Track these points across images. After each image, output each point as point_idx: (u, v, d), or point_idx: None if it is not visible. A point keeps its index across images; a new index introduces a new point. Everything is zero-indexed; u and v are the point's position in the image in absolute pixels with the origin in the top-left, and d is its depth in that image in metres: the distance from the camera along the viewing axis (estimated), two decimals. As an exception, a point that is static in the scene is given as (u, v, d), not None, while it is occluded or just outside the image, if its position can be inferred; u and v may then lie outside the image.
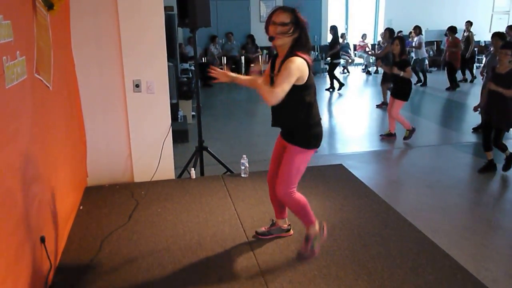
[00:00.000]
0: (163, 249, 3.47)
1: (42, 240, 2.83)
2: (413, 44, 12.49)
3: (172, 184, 4.77)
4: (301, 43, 2.99)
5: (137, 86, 4.61)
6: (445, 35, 12.30)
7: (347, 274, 3.09)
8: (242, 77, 3.33)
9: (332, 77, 11.72)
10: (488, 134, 5.50)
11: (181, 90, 8.24)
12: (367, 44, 15.32)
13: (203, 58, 13.17)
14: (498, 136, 5.37)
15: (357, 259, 3.27)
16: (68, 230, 3.72)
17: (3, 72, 2.32)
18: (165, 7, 4.71)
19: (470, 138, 7.19)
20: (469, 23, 12.69)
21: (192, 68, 10.20)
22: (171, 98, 5.01)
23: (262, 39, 13.86)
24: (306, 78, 2.99)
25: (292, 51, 2.98)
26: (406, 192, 4.90)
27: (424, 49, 12.52)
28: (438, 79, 12.87)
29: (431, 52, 14.99)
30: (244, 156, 4.94)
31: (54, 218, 3.27)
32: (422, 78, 12.31)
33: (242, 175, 4.89)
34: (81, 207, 4.21)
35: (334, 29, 11.70)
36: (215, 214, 4.04)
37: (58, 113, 3.65)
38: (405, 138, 7.07)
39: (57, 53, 3.57)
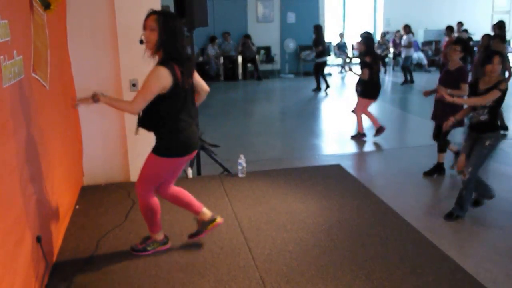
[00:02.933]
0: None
1: (39, 239, 2.81)
2: (402, 43, 12.52)
3: (169, 183, 4.75)
4: (166, 48, 2.95)
5: (133, 85, 4.59)
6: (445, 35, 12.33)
7: (345, 274, 3.08)
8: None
9: (319, 76, 11.65)
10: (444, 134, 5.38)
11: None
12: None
13: (200, 58, 13.16)
14: (440, 129, 5.21)
15: (355, 259, 3.26)
16: (64, 230, 3.71)
17: (1, 71, 2.31)
18: (162, 7, 4.69)
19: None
20: (460, 24, 12.70)
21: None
22: (168, 98, 4.98)
23: (259, 39, 13.86)
24: (168, 88, 2.92)
25: (160, 59, 2.97)
26: (404, 192, 4.89)
27: (412, 48, 12.59)
28: (436, 79, 12.85)
29: (429, 52, 15.01)
30: (242, 156, 4.92)
31: (51, 218, 3.26)
32: (408, 77, 12.36)
33: (239, 175, 4.88)
34: (77, 207, 4.19)
35: (317, 28, 11.71)
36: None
37: (54, 112, 3.64)
38: (352, 137, 7.17)
39: (53, 52, 3.56)
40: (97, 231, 3.73)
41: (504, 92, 3.98)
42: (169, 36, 2.93)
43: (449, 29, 11.47)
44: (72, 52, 4.37)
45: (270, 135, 7.55)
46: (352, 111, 7.69)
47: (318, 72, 11.66)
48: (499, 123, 4.46)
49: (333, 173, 5.10)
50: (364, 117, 7.20)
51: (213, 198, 4.34)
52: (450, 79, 5.18)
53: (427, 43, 15.22)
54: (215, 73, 13.53)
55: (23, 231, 2.57)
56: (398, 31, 14.40)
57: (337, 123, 8.76)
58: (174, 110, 3.03)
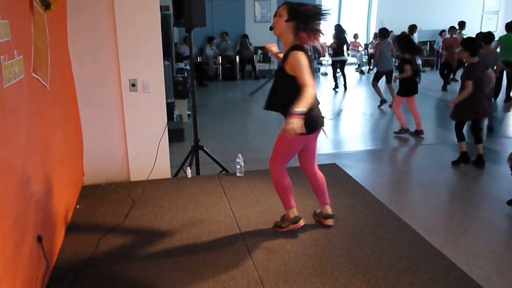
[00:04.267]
0: (159, 248, 3.48)
1: (39, 239, 2.83)
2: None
3: (168, 183, 4.78)
4: (297, 29, 3.23)
5: (133, 85, 4.63)
6: (444, 32, 12.42)
7: (342, 273, 3.11)
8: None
9: (344, 74, 11.92)
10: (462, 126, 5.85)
11: (176, 89, 8.24)
12: (359, 43, 15.41)
13: (198, 58, 13.17)
14: (477, 125, 5.76)
15: (351, 258, 3.30)
16: (65, 229, 3.73)
17: (1, 71, 2.32)
18: (161, 7, 4.73)
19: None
20: (446, 31, 12.87)
21: (188, 67, 10.21)
22: (167, 97, 5.02)
23: (257, 39, 13.88)
24: None
25: (295, 43, 3.26)
26: (400, 191, 4.94)
27: None
28: (432, 79, 12.93)
29: (424, 52, 15.08)
30: (240, 155, 4.96)
31: (51, 217, 3.28)
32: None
33: (238, 174, 4.91)
34: (77, 206, 4.21)
35: (338, 27, 11.86)
36: (211, 213, 4.06)
37: (55, 112, 3.66)
38: (411, 133, 7.32)
39: (54, 52, 3.57)
40: (98, 230, 3.75)
41: None
42: (296, 17, 3.29)
43: (460, 25, 11.62)
44: (72, 52, 4.39)
45: (268, 135, 7.55)
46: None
47: (342, 69, 11.92)
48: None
49: (329, 172, 5.11)
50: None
51: (211, 198, 4.38)
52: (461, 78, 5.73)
53: (421, 44, 15.29)
54: (214, 73, 13.55)
55: (23, 231, 2.59)
56: (391, 31, 14.44)
57: (334, 122, 8.80)
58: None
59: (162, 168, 4.90)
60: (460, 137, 5.79)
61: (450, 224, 4.21)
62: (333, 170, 5.21)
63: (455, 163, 5.76)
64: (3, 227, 2.27)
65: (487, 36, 7.60)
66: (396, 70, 8.79)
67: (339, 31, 11.74)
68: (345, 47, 12.02)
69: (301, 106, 2.95)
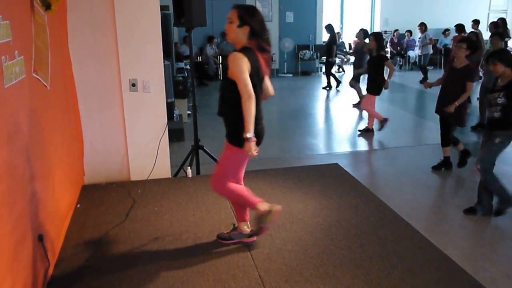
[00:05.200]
0: (160, 247, 3.48)
1: (40, 238, 2.84)
2: (420, 42, 12.65)
3: (168, 182, 4.77)
4: (251, 36, 3.04)
5: (133, 85, 4.62)
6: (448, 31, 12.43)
7: (344, 273, 3.10)
8: None
9: (329, 75, 11.80)
10: (445, 130, 5.56)
11: (176, 89, 8.23)
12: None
13: (198, 58, 13.16)
14: (448, 130, 5.46)
15: (354, 259, 3.28)
16: (65, 229, 3.73)
17: (2, 71, 2.33)
18: (161, 7, 4.72)
19: (469, 137, 7.19)
20: (447, 30, 12.91)
21: (188, 67, 10.19)
22: (167, 97, 5.02)
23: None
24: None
25: (243, 45, 3.05)
26: (402, 192, 4.91)
27: (429, 46, 12.74)
28: (434, 77, 12.88)
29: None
30: (240, 155, 4.93)
31: (52, 217, 3.27)
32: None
33: (238, 174, 4.89)
34: (78, 206, 4.21)
35: (329, 28, 11.76)
36: (211, 212, 4.06)
37: (55, 112, 3.66)
38: (379, 129, 7.30)
39: (54, 52, 3.57)
40: (98, 230, 3.75)
41: None
42: (249, 23, 3.06)
43: (475, 22, 11.57)
44: (73, 52, 4.39)
45: (268, 134, 7.51)
46: (354, 106, 8.42)
47: (329, 70, 11.89)
48: None
49: (331, 172, 5.12)
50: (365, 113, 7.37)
51: (212, 197, 4.36)
52: (456, 77, 5.23)
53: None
54: (214, 72, 13.54)
55: (25, 230, 2.59)
56: (396, 30, 14.45)
57: (335, 121, 8.79)
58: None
59: (162, 168, 4.89)
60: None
61: (454, 225, 4.19)
62: (335, 170, 5.20)
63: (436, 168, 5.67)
64: (4, 226, 2.27)
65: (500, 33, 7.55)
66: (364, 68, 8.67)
67: (331, 31, 11.73)
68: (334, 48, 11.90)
69: (249, 130, 2.94)
